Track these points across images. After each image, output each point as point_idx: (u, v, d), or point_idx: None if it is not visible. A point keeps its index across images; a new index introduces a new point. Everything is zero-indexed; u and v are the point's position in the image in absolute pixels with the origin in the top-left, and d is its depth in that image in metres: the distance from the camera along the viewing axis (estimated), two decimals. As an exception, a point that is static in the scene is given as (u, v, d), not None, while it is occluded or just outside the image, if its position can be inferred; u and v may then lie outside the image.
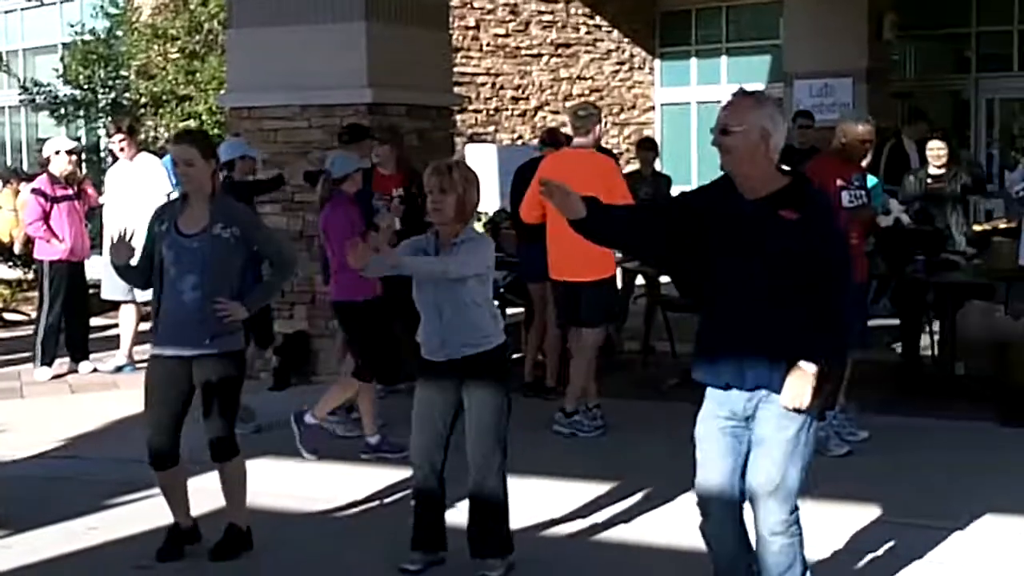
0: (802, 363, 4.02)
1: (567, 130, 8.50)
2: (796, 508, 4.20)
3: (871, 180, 8.14)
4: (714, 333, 4.21)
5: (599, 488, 6.33)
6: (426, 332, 5.10)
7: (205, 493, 5.62)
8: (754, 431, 4.17)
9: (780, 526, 4.16)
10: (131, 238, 5.40)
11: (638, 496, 6.17)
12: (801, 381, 4.04)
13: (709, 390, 4.26)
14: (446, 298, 5.01)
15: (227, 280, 5.27)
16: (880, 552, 5.35)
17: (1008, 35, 16.48)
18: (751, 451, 4.18)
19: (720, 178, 4.27)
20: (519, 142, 15.59)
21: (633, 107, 19.06)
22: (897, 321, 9.07)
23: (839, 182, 6.99)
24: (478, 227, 10.53)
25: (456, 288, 5.00)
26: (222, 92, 11.67)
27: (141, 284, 5.56)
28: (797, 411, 4.10)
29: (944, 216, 9.40)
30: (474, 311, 5.02)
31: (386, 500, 6.34)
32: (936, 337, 8.88)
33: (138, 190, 9.68)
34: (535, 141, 11.14)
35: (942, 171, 9.37)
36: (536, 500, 6.10)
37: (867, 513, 5.82)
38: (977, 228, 9.06)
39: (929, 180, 9.38)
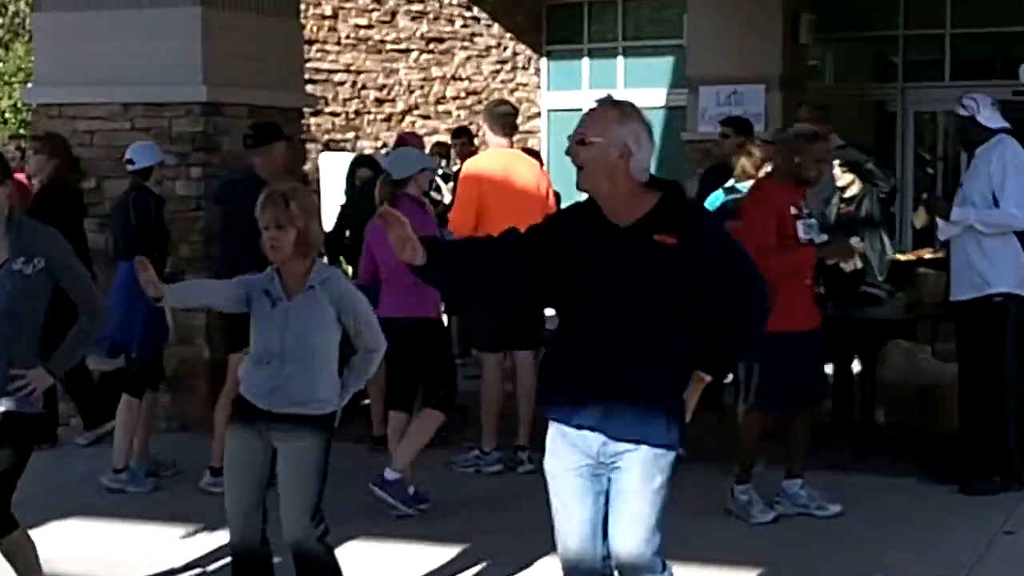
0: (701, 374, 4.24)
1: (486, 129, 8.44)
2: (665, 564, 4.30)
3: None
4: (576, 371, 4.23)
5: (451, 551, 6.42)
6: (257, 373, 5.10)
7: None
8: (617, 478, 4.25)
9: None
10: None
11: (495, 559, 6.26)
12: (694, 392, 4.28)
13: (558, 424, 4.34)
14: (296, 347, 5.01)
15: (33, 320, 5.11)
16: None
17: (939, 39, 16.87)
18: (611, 502, 4.27)
19: (586, 201, 4.30)
20: (383, 151, 15.64)
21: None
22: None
23: (792, 210, 6.86)
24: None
25: (311, 336, 5.01)
26: (29, 86, 11.47)
27: None
28: (668, 447, 4.21)
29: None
30: (319, 366, 5.04)
31: (209, 568, 6.29)
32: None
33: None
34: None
35: (852, 194, 9.36)
36: (377, 563, 6.27)
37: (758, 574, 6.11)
38: (900, 258, 9.20)
39: (842, 206, 9.39)
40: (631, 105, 4.28)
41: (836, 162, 9.43)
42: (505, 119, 8.19)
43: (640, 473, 4.21)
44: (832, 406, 8.96)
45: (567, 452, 4.30)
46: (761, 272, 4.36)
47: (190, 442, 8.50)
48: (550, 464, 4.36)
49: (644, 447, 4.19)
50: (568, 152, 4.20)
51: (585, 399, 4.23)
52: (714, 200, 8.53)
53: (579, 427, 4.25)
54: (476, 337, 8.45)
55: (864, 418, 8.75)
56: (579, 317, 4.24)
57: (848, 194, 9.40)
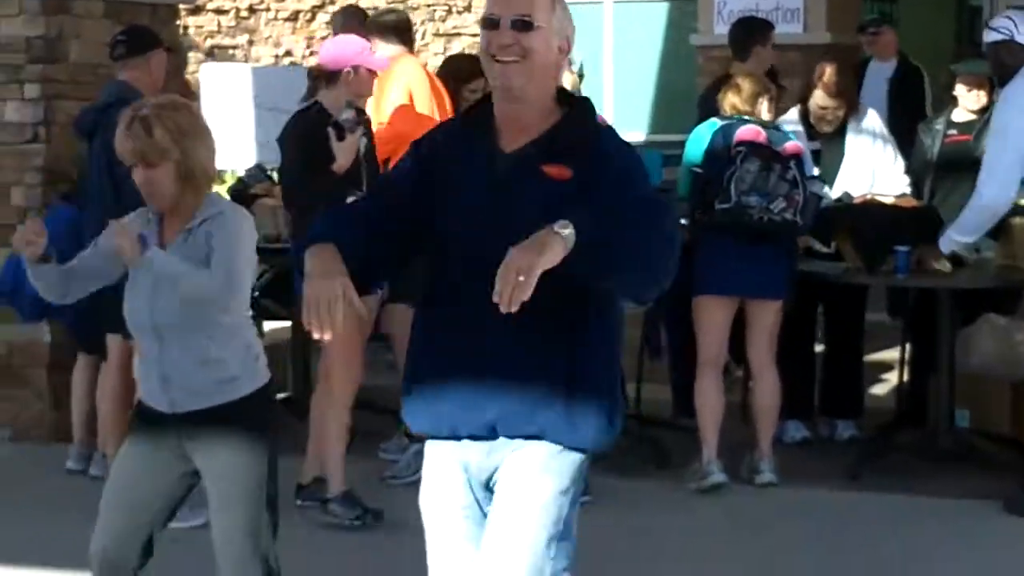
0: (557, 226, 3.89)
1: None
2: None
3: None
4: (442, 356, 4.23)
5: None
6: (143, 363, 5.18)
7: None
8: (494, 493, 4.21)
9: None
10: None
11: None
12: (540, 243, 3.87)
13: (431, 445, 4.34)
14: (172, 315, 5.05)
15: None
16: None
17: None
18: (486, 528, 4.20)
19: (466, 113, 4.38)
20: (287, 61, 15.53)
21: (469, 8, 19.30)
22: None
23: None
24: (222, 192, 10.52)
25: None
26: None
27: None
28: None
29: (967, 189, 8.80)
30: (217, 337, 5.10)
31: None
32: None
33: None
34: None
35: (973, 116, 9.05)
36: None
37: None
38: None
39: (952, 132, 9.05)
40: None
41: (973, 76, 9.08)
42: (397, 25, 8.81)
43: (526, 479, 4.12)
44: (899, 405, 9.18)
45: (443, 479, 4.32)
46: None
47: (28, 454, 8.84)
48: (423, 503, 4.38)
49: (536, 444, 4.14)
50: (500, 43, 4.09)
51: (452, 393, 4.22)
52: (701, 134, 8.33)
53: (444, 435, 4.27)
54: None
55: (941, 421, 8.71)
56: (441, 277, 4.24)
57: (960, 116, 9.12)
